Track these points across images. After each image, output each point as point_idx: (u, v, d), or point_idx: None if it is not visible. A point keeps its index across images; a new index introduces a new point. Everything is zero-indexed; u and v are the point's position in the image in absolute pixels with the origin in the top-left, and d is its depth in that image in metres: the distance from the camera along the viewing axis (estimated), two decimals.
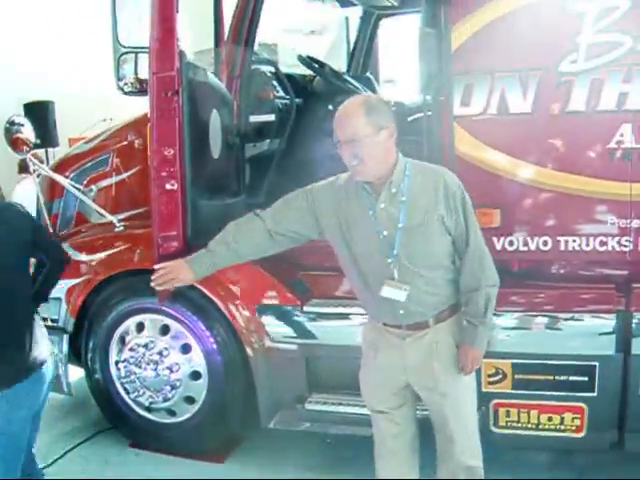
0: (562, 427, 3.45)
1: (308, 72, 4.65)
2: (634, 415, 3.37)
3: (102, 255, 4.17)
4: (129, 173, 4.47)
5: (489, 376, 3.45)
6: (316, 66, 4.52)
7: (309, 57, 4.51)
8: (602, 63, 3.22)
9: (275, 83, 4.26)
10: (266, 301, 3.81)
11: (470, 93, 3.34)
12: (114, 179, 4.50)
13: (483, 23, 3.31)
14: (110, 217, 4.28)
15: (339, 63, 5.67)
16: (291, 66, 5.12)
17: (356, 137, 2.57)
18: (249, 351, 3.82)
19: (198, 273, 2.96)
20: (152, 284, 3.00)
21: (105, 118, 7.44)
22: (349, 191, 2.76)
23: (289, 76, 4.49)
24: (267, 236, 2.88)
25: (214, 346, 3.89)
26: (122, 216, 4.34)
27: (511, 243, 3.46)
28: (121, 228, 4.22)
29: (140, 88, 3.85)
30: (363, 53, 5.14)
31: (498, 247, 3.45)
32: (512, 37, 3.30)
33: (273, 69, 4.38)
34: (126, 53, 3.71)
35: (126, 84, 3.84)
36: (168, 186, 3.34)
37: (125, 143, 4.53)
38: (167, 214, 3.36)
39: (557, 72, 3.26)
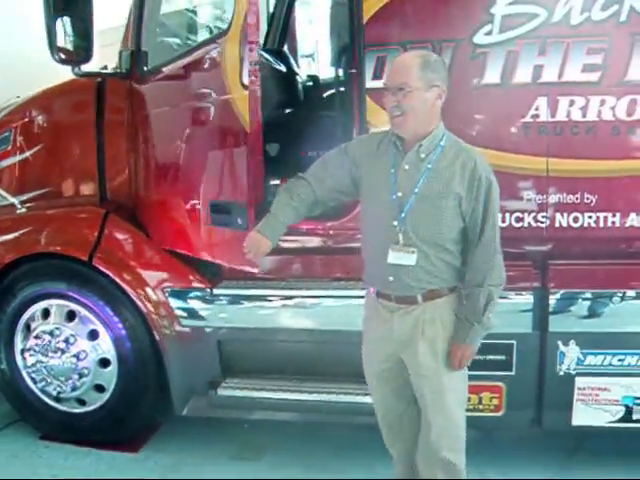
0: (481, 407, 3.43)
1: None
2: (551, 393, 3.38)
3: (4, 238, 3.98)
4: (32, 151, 4.25)
5: None
6: None
7: None
8: (517, 35, 3.17)
9: None
10: (175, 284, 3.72)
11: (382, 66, 3.26)
12: (17, 158, 4.28)
13: None
14: (11, 199, 4.11)
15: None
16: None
17: (405, 86, 2.56)
18: (159, 336, 3.73)
19: (274, 238, 2.86)
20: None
21: (19, 95, 7.15)
22: (380, 146, 2.76)
23: None
24: (312, 194, 2.87)
25: (123, 332, 3.78)
26: (25, 197, 4.16)
27: None
28: (23, 210, 4.04)
29: (70, 57, 3.63)
30: (280, 27, 5.02)
31: None
32: (425, 8, 3.25)
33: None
34: (60, 17, 3.47)
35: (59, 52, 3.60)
36: (260, 153, 3.34)
37: (27, 120, 4.30)
38: (261, 180, 3.37)
39: (471, 44, 3.21)
